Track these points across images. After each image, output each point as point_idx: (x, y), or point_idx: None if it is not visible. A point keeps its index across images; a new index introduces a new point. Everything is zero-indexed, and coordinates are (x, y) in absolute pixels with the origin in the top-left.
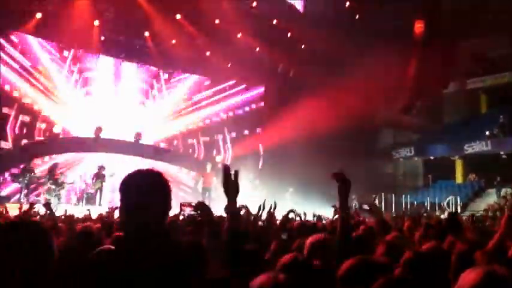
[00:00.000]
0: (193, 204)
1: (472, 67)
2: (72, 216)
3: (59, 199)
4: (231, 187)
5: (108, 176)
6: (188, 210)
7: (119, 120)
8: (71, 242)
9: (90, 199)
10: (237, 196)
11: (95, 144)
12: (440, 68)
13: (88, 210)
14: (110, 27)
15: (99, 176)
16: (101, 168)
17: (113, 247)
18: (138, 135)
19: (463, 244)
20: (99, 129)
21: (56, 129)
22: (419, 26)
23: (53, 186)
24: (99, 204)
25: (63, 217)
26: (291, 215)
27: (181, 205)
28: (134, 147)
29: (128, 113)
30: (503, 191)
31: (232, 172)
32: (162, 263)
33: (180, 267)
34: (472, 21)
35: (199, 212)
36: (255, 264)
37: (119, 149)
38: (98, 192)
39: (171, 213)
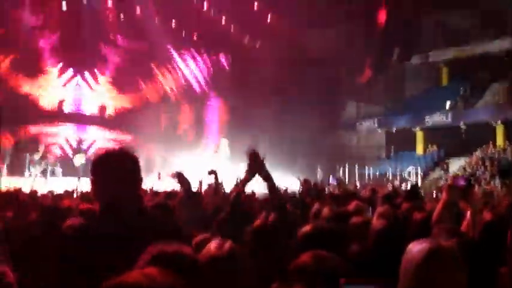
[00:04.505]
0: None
1: (434, 40)
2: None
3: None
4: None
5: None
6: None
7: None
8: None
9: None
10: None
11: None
12: (403, 41)
13: None
14: None
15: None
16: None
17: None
18: (103, 108)
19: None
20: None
21: None
22: (382, 14)
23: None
24: None
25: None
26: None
27: (159, 174)
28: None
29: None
30: (463, 162)
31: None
32: (138, 232)
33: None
34: None
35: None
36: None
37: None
38: None
39: None
